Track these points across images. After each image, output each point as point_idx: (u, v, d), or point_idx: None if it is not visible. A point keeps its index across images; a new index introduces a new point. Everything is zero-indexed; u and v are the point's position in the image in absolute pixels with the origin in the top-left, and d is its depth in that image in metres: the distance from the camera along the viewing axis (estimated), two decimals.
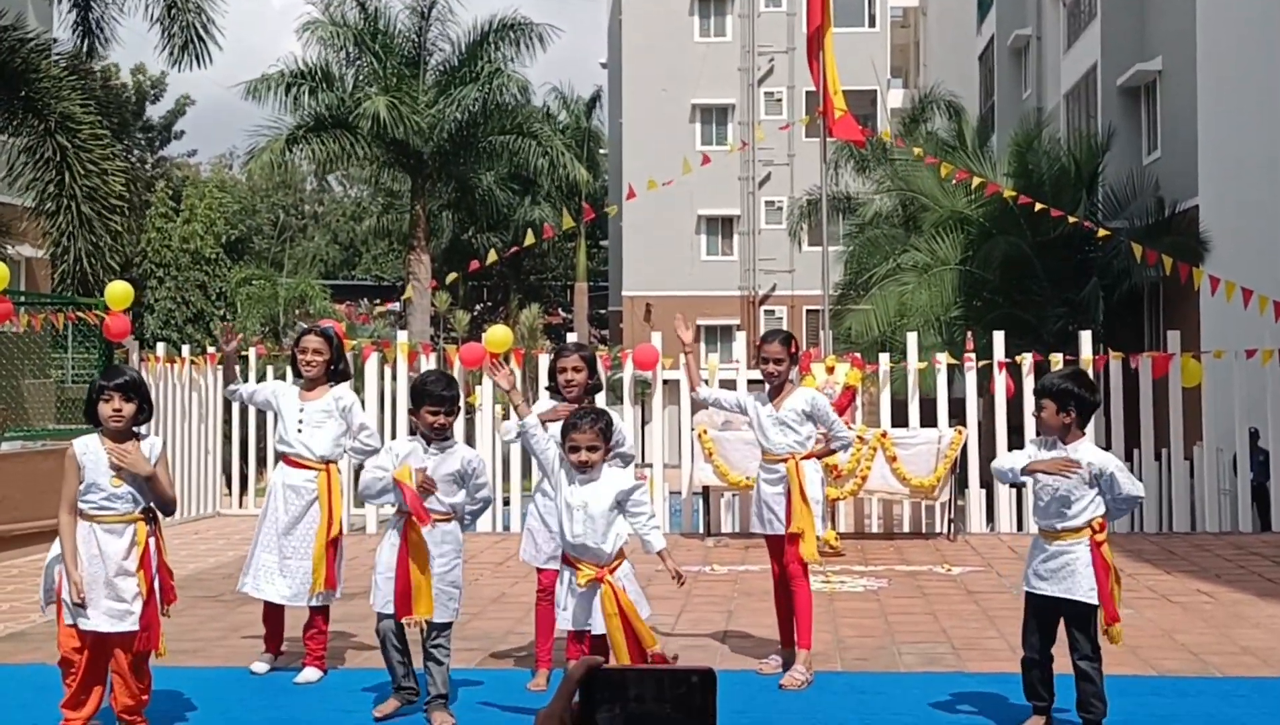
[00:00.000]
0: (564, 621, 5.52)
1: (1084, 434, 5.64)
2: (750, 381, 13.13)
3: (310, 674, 6.58)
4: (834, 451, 6.84)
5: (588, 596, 5.38)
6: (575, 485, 5.44)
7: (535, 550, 6.44)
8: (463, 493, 5.86)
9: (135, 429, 5.46)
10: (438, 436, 5.82)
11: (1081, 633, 5.46)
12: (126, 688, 5.35)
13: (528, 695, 6.30)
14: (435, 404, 5.76)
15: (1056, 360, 12.35)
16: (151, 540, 5.42)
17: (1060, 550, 5.47)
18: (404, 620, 5.72)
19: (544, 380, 6.77)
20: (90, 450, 5.36)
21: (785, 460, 6.58)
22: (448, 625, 5.79)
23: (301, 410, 6.73)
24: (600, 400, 6.59)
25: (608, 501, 5.39)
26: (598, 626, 5.37)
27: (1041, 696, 5.55)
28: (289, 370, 7.30)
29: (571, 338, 13.97)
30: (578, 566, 5.41)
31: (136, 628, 5.30)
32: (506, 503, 12.63)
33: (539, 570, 6.50)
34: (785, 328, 38.47)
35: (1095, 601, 5.42)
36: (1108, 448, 12.94)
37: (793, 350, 6.68)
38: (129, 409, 5.36)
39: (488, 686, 6.52)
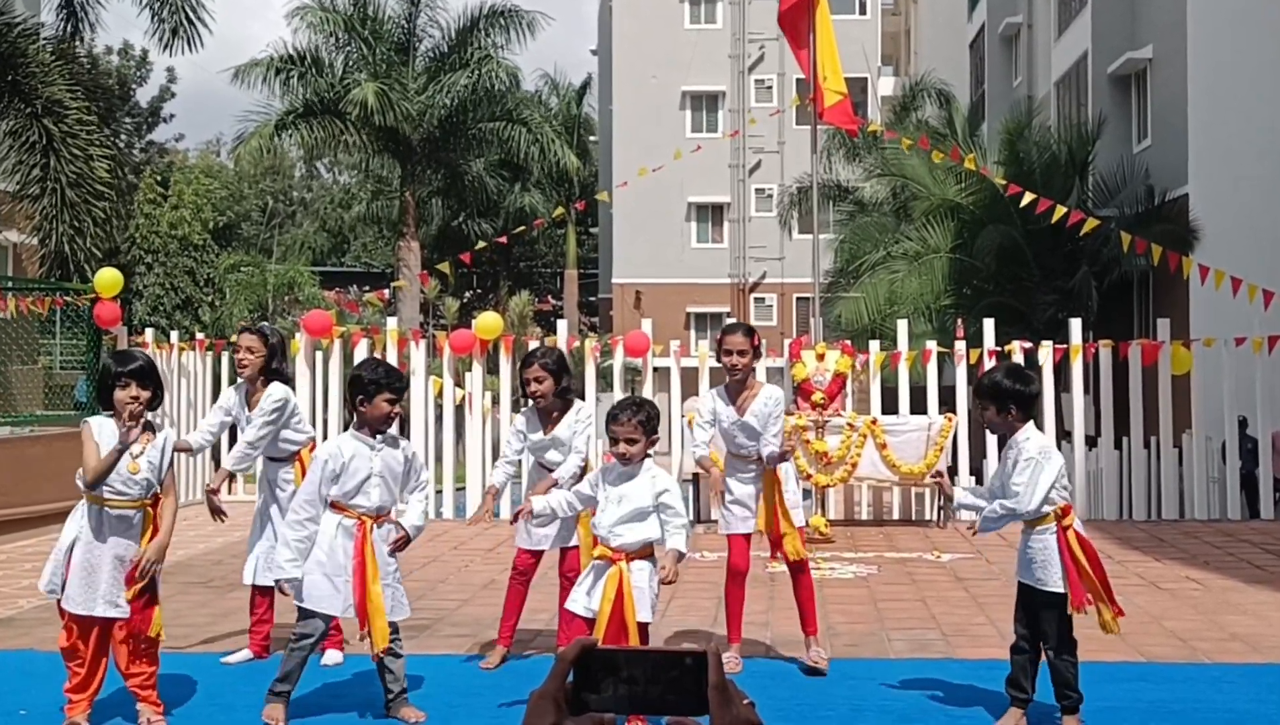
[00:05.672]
0: (579, 606, 5.49)
1: (1027, 421, 5.52)
2: None
3: (331, 656, 6.60)
4: (762, 457, 6.47)
5: (598, 572, 5.39)
6: (612, 484, 5.38)
7: (521, 534, 6.59)
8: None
9: (147, 417, 5.47)
10: (386, 427, 5.60)
11: (1049, 623, 5.41)
12: (133, 663, 5.40)
13: (518, 680, 6.29)
14: (394, 393, 5.53)
15: (1046, 348, 12.37)
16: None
17: (1035, 539, 5.47)
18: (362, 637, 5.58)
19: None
20: (107, 430, 5.35)
21: (757, 460, 6.52)
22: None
23: (245, 413, 6.74)
24: (591, 401, 6.59)
25: (643, 500, 5.33)
26: (595, 602, 5.37)
27: (1023, 688, 5.53)
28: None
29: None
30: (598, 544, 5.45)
31: (127, 614, 5.35)
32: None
33: (520, 550, 6.63)
34: (776, 316, 38.52)
35: (1062, 589, 5.36)
36: (1097, 435, 13.00)
37: (755, 342, 6.54)
38: (145, 395, 5.36)
39: (482, 673, 6.52)
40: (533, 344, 12.95)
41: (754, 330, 6.68)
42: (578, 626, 5.44)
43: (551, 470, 6.43)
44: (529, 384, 6.39)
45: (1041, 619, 5.42)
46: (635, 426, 5.28)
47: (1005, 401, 5.43)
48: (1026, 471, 5.36)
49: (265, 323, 7.38)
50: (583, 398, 6.70)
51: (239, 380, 6.87)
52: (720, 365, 6.78)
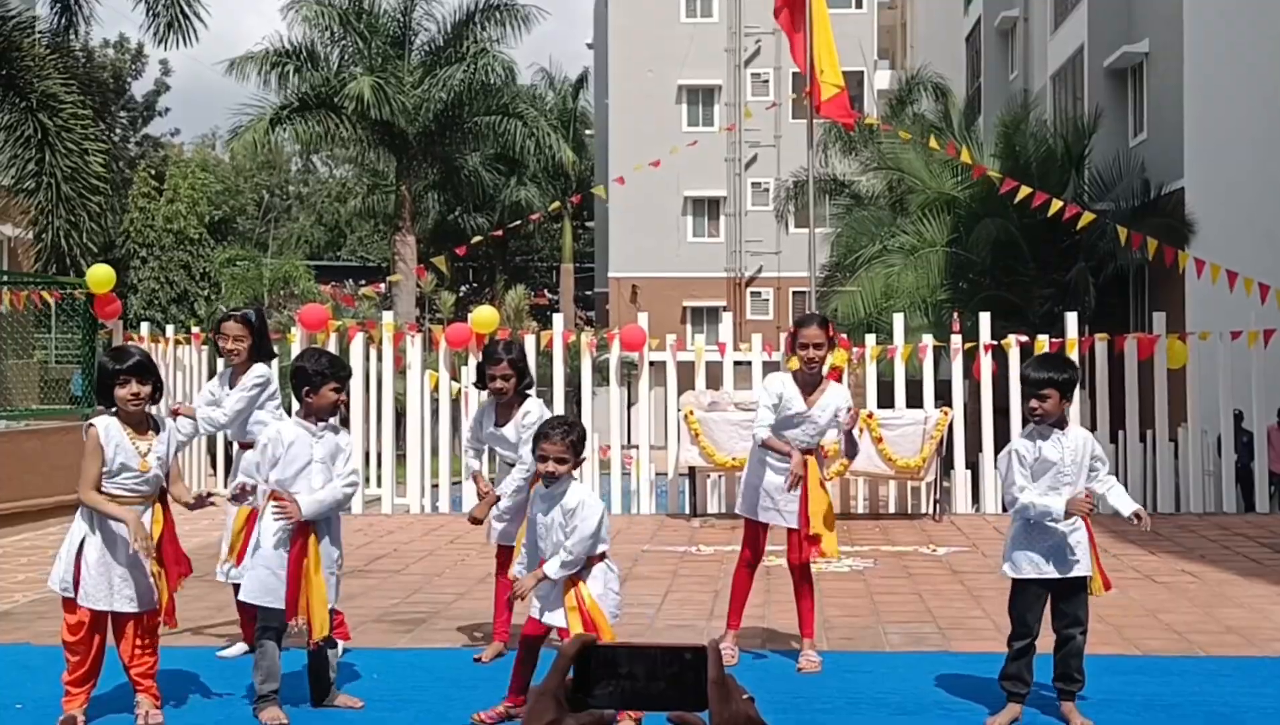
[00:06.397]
0: (533, 610, 5.48)
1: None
2: (736, 362, 13.14)
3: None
4: (848, 455, 6.66)
5: (554, 589, 5.37)
6: (544, 512, 5.37)
7: (493, 529, 6.65)
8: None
9: (149, 411, 5.48)
10: (331, 416, 5.68)
11: (1084, 605, 5.54)
12: (137, 655, 5.43)
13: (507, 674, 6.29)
14: (339, 382, 5.62)
15: (1042, 342, 12.37)
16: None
17: (1068, 531, 5.49)
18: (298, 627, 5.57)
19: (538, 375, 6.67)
20: (114, 432, 5.34)
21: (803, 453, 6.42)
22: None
23: (228, 393, 6.73)
24: (535, 403, 6.54)
25: (560, 519, 5.34)
26: (558, 620, 5.33)
27: (1026, 681, 5.58)
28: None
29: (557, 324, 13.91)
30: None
31: (155, 607, 5.40)
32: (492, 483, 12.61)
33: (498, 547, 6.65)
34: (772, 310, 38.51)
35: (1091, 571, 5.53)
36: (1093, 429, 13.02)
37: (830, 333, 6.41)
38: (145, 391, 5.37)
39: (477, 667, 6.53)
40: (529, 339, 12.98)
41: (829, 320, 6.51)
42: (532, 627, 5.43)
43: (509, 464, 6.48)
44: (494, 380, 6.30)
45: (1080, 605, 5.52)
46: (567, 446, 5.27)
47: (1069, 391, 5.54)
48: (1108, 466, 5.60)
49: (249, 309, 7.32)
50: (536, 396, 6.66)
51: (229, 367, 6.86)
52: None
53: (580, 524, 5.25)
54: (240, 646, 6.76)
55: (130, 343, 10.61)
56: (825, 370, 6.54)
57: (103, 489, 5.34)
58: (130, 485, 5.34)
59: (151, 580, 5.38)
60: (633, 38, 39.16)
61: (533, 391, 6.60)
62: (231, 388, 6.73)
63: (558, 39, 57.41)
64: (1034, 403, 5.47)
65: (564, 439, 5.27)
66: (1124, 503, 5.61)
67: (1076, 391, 12.42)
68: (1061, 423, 5.54)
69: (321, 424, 5.65)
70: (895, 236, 24.62)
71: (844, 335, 13.71)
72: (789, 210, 33.02)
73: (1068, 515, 5.40)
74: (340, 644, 6.48)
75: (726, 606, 6.79)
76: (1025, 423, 5.73)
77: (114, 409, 5.39)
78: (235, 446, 6.97)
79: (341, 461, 5.67)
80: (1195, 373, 12.86)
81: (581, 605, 5.28)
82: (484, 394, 6.61)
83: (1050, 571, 5.51)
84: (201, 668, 6.38)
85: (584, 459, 5.52)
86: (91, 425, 5.40)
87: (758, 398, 6.58)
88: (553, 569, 5.26)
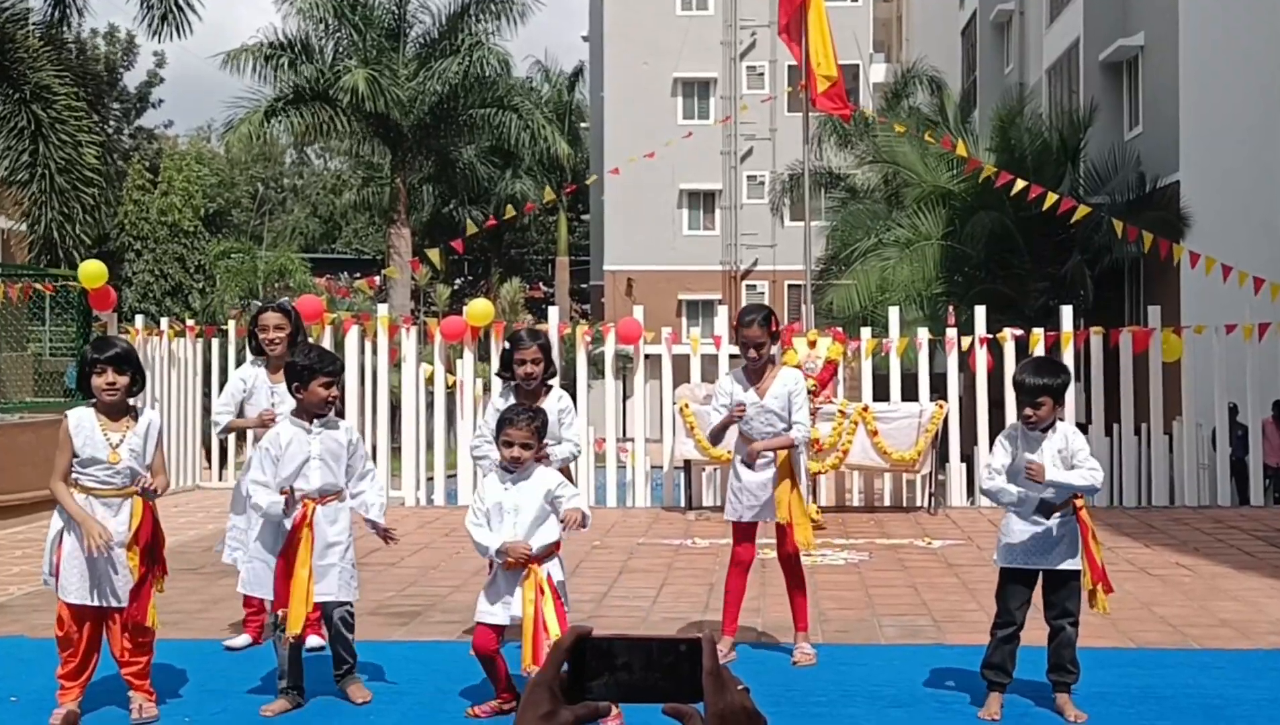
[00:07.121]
0: (487, 615, 5.40)
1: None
2: (732, 356, 13.14)
3: (312, 641, 6.59)
4: (791, 445, 6.37)
5: (511, 580, 5.34)
6: (507, 487, 5.36)
7: None
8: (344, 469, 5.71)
9: (130, 402, 5.46)
10: (324, 411, 5.67)
11: (1074, 598, 5.55)
12: (128, 653, 5.42)
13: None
14: (329, 377, 5.62)
15: (1038, 336, 12.38)
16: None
17: (1067, 522, 5.50)
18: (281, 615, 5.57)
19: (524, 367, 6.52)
20: (85, 424, 5.33)
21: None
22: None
23: (273, 393, 6.66)
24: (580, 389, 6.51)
25: (538, 502, 5.34)
26: (516, 609, 5.30)
27: (1009, 672, 5.62)
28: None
29: (562, 312, 13.90)
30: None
31: (126, 603, 5.36)
32: None
33: None
34: (767, 303, 38.41)
35: (1080, 566, 5.54)
36: (1089, 422, 13.05)
37: (773, 328, 6.39)
38: (122, 381, 5.35)
39: (472, 660, 6.52)
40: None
41: (772, 314, 6.49)
42: (485, 634, 5.40)
43: None
44: (524, 365, 6.16)
45: (1069, 596, 5.53)
46: (531, 432, 5.31)
47: (1063, 396, 5.58)
48: (1089, 451, 5.61)
49: (284, 298, 7.34)
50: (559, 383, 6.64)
51: (263, 357, 6.79)
52: (721, 351, 6.73)
53: (569, 487, 5.42)
54: (245, 638, 6.77)
55: (117, 336, 10.59)
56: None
57: (76, 480, 5.34)
58: (101, 477, 5.32)
59: (129, 574, 5.34)
60: (628, 30, 39.11)
61: (555, 381, 6.51)
62: (276, 382, 6.66)
63: (553, 32, 57.40)
64: (1029, 411, 5.50)
65: (529, 425, 5.31)
66: (1063, 474, 5.44)
67: (1071, 390, 12.50)
68: (1051, 426, 5.56)
69: (318, 421, 5.62)
70: (891, 230, 24.62)
71: (839, 328, 13.71)
72: (784, 203, 33.01)
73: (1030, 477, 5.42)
74: (318, 640, 6.48)
75: (721, 599, 6.76)
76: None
77: (94, 400, 5.39)
78: (253, 433, 6.92)
79: (358, 462, 5.74)
80: (1190, 366, 12.88)
81: (539, 590, 5.25)
82: (480, 387, 6.60)
83: (1035, 562, 5.54)
84: (198, 661, 6.37)
85: (546, 445, 5.58)
86: (66, 416, 5.43)
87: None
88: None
